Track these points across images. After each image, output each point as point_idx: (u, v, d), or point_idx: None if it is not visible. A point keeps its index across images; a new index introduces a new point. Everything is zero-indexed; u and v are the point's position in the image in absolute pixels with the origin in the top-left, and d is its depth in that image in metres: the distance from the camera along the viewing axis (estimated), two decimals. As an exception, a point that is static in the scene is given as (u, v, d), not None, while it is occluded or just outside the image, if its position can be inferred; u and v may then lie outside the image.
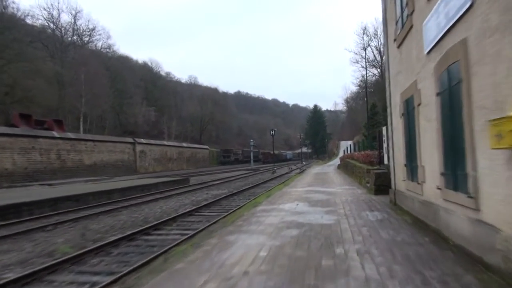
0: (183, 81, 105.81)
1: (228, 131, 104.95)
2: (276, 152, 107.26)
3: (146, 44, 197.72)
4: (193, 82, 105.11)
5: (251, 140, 47.60)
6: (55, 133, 30.30)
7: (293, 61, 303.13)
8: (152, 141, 46.95)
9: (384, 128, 11.38)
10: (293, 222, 6.47)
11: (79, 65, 47.40)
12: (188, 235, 7.21)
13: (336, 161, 55.18)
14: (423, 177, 5.77)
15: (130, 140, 41.79)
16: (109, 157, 36.98)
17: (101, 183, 22.31)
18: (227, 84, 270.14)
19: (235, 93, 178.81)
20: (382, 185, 10.30)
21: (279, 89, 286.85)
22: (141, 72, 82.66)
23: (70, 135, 32.33)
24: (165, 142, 50.80)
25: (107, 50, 76.21)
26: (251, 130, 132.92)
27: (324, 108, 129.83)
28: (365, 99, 35.33)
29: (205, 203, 12.84)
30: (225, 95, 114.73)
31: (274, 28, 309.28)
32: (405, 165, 7.01)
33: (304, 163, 73.91)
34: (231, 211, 10.02)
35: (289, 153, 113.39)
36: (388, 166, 10.81)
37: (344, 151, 42.34)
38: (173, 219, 9.60)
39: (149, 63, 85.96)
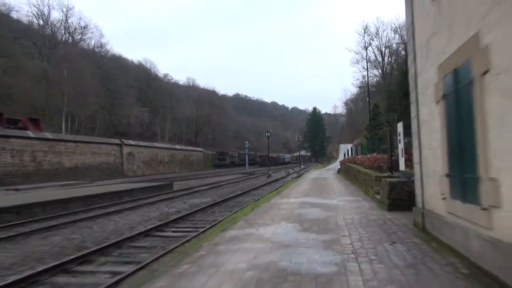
0: (181, 83, 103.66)
1: (225, 134, 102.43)
2: (274, 155, 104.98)
3: (146, 45, 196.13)
4: (191, 84, 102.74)
5: (246, 142, 45.18)
6: (30, 133, 27.75)
7: (292, 63, 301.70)
8: (142, 143, 44.43)
9: (399, 125, 8.90)
10: (270, 269, 3.96)
11: (62, 61, 44.77)
12: None
13: (336, 165, 52.56)
14: (496, 198, 3.27)
15: (117, 141, 39.27)
16: (92, 159, 34.43)
17: (75, 188, 19.78)
18: (226, 87, 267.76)
19: (234, 95, 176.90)
20: (398, 198, 7.80)
21: (278, 92, 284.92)
22: (135, 72, 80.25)
23: (48, 135, 29.78)
24: (156, 144, 48.28)
25: (100, 49, 73.93)
26: (249, 132, 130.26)
27: (323, 111, 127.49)
28: (367, 99, 32.91)
29: (175, 217, 10.33)
30: (223, 97, 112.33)
31: (274, 30, 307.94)
32: (448, 175, 4.51)
33: (302, 166, 71.44)
34: (195, 234, 7.48)
35: (287, 156, 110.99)
36: (405, 173, 8.33)
37: (344, 154, 39.85)
38: (107, 248, 6.91)
39: (144, 63, 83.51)
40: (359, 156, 15.47)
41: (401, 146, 8.52)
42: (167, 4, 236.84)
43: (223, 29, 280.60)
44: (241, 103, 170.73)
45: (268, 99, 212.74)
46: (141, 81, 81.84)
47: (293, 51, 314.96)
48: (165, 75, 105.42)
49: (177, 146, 55.17)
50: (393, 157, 10.22)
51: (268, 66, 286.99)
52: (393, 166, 10.15)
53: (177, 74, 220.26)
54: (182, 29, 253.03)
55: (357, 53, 61.04)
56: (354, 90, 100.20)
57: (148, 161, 44.86)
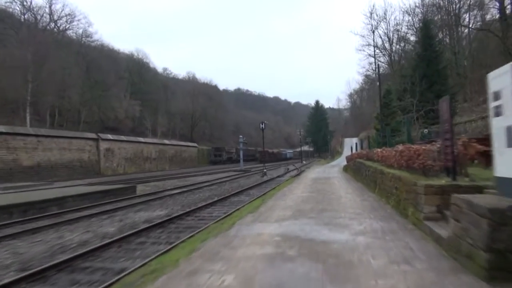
0: (180, 77, 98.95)
1: (223, 128, 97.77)
2: (275, 150, 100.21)
3: (148, 42, 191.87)
4: (191, 78, 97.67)
5: (241, 136, 40.44)
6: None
7: (295, 59, 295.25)
8: (123, 138, 39.86)
9: (493, 74, 4.11)
10: None
11: (26, 45, 39.98)
12: None
13: (341, 160, 47.69)
14: None
15: (92, 135, 34.72)
16: (60, 156, 29.90)
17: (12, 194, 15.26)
18: (228, 82, 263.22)
19: (235, 90, 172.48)
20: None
21: (280, 88, 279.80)
22: (126, 63, 75.56)
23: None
24: (140, 139, 43.67)
25: (89, 39, 69.17)
26: (249, 127, 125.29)
27: (326, 106, 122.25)
28: (377, 83, 28.04)
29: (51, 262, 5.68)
30: (224, 92, 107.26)
31: (278, 26, 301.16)
32: None
33: (304, 162, 66.70)
34: None
35: (289, 152, 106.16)
36: (504, 184, 3.56)
37: (351, 148, 35.09)
38: None
39: (135, 54, 78.70)
40: (378, 150, 10.69)
41: (503, 122, 3.74)
42: (173, 1, 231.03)
43: (226, 26, 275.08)
44: (242, 98, 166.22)
45: (270, 94, 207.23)
46: (134, 73, 77.23)
47: (296, 47, 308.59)
48: (165, 69, 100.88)
49: (166, 141, 50.60)
50: (454, 150, 5.44)
51: (271, 62, 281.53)
52: (456, 166, 5.40)
53: (179, 70, 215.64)
54: (185, 26, 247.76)
55: (363, 37, 55.95)
56: (359, 79, 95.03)
57: (131, 158, 40.32)
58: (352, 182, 14.63)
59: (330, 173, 23.34)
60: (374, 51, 52.62)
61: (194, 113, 79.83)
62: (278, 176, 27.92)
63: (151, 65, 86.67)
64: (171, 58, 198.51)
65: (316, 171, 27.10)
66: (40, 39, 43.10)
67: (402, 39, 58.34)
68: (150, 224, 8.72)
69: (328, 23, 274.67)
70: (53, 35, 59.92)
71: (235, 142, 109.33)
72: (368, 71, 58.21)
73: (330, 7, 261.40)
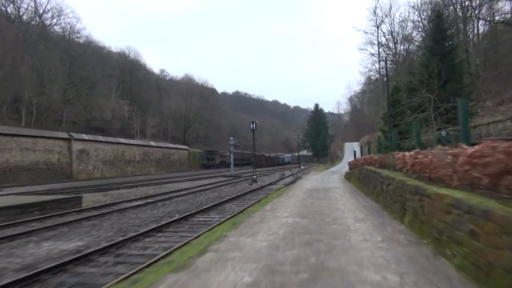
0: (178, 79, 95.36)
1: (219, 131, 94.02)
2: (272, 154, 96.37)
3: (149, 43, 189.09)
4: (185, 78, 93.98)
5: (232, 139, 36.75)
6: None
7: (295, 64, 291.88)
8: (101, 138, 36.09)
9: None
10: None
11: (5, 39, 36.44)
12: None
13: (341, 166, 43.75)
14: None
15: (63, 135, 30.98)
16: (22, 157, 26.15)
17: None
18: (227, 86, 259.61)
19: (234, 93, 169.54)
20: None
21: (280, 92, 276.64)
22: (116, 62, 72.02)
23: None
24: (122, 140, 39.88)
25: (77, 35, 65.54)
26: (247, 130, 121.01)
27: (326, 110, 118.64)
28: (385, 79, 24.51)
29: None
30: (215, 92, 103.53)
31: (277, 30, 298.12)
32: None
33: (302, 167, 62.95)
34: None
35: (287, 156, 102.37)
36: None
37: (354, 153, 31.43)
38: None
39: (127, 52, 75.13)
40: (406, 154, 6.90)
41: None
42: (173, 4, 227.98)
43: (226, 29, 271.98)
44: (241, 101, 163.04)
45: (269, 98, 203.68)
46: (125, 72, 73.68)
47: (297, 51, 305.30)
48: (162, 71, 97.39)
49: (152, 143, 46.82)
50: None
51: (271, 66, 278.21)
52: None
53: (177, 72, 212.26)
54: (186, 29, 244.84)
55: (366, 33, 52.42)
56: (361, 79, 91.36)
57: (111, 161, 36.54)
58: (360, 197, 10.87)
59: (329, 181, 19.56)
60: (378, 47, 49.08)
61: (187, 113, 76.08)
62: (270, 184, 24.20)
63: (145, 65, 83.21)
64: (170, 61, 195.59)
65: (314, 179, 23.34)
66: (22, 33, 39.37)
67: (407, 38, 55.03)
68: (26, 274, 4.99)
69: (329, 28, 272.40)
70: (37, 29, 56.34)
71: (236, 147, 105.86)
72: (371, 71, 54.67)
73: (331, 12, 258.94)
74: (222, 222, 8.51)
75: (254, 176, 25.47)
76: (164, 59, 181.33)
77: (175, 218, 9.95)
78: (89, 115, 57.87)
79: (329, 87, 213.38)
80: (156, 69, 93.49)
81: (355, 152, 29.85)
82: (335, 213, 7.62)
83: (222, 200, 14.28)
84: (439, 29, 29.09)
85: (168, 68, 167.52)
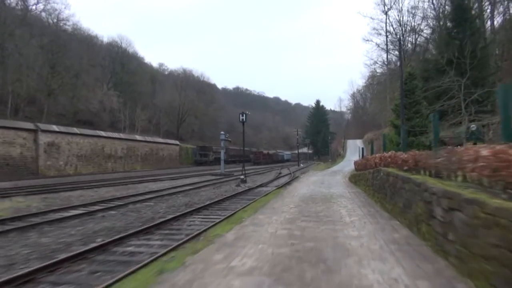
0: (177, 73, 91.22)
1: (215, 126, 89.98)
2: (271, 151, 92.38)
3: (150, 40, 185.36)
4: (179, 71, 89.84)
5: (222, 133, 33.06)
6: None
7: (297, 61, 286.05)
8: (75, 130, 32.32)
9: None
10: None
11: None
12: None
13: (344, 165, 39.58)
14: None
15: (28, 125, 27.20)
16: (-27, 150, 22.38)
17: None
18: (228, 81, 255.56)
19: (234, 89, 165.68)
20: None
21: (281, 89, 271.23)
22: (106, 51, 68.04)
23: None
24: (101, 133, 36.03)
25: (65, 22, 61.50)
26: (245, 126, 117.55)
27: (328, 108, 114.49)
28: (399, 64, 20.78)
29: None
30: (212, 85, 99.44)
31: (281, 27, 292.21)
32: None
33: (302, 165, 59.17)
34: None
35: (286, 153, 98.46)
36: None
37: (362, 150, 27.58)
38: None
39: (118, 41, 71.09)
40: (491, 150, 3.08)
41: None
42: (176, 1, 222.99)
43: (228, 25, 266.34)
44: (241, 97, 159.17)
45: (270, 94, 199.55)
46: (116, 63, 69.72)
47: (299, 48, 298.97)
48: (161, 65, 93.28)
49: (138, 137, 43.04)
50: None
51: (273, 63, 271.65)
52: None
53: (177, 67, 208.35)
54: (185, 24, 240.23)
55: (373, 19, 48.30)
56: (366, 72, 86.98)
57: (87, 155, 32.80)
58: (381, 217, 7.03)
59: (331, 185, 15.73)
60: (386, 35, 45.09)
61: (180, 106, 72.14)
62: (261, 185, 20.47)
63: (138, 55, 79.12)
64: (171, 56, 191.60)
65: (312, 181, 19.53)
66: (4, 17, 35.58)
67: (415, 30, 50.96)
68: None
69: (332, 25, 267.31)
70: (17, 13, 52.39)
71: (229, 142, 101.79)
72: (377, 62, 50.67)
73: (335, 9, 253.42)
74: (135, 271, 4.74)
75: (242, 176, 21.71)
76: (164, 54, 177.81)
77: (93, 246, 6.21)
78: (74, 107, 54.01)
79: (331, 85, 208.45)
80: (155, 63, 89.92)
81: (362, 150, 25.97)
82: (345, 263, 3.83)
83: (186, 211, 10.53)
84: (460, 9, 25.15)
85: (168, 63, 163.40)
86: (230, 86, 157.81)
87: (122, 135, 39.69)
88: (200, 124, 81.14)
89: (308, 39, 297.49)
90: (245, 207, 10.72)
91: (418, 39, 50.98)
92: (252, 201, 12.48)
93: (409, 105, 21.81)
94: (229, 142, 41.05)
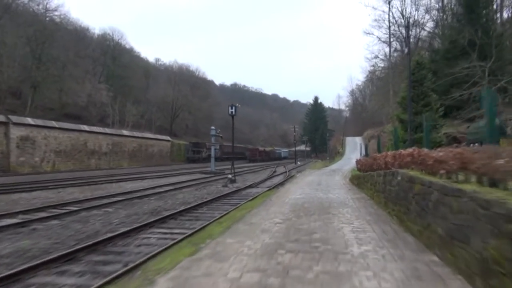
0: (167, 65, 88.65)
1: (211, 123, 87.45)
2: (267, 148, 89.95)
3: (150, 37, 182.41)
4: (178, 67, 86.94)
5: (213, 128, 30.74)
6: None
7: (296, 58, 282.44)
8: (53, 123, 29.89)
9: None
10: None
11: None
12: None
13: (343, 163, 36.99)
14: None
15: (-2, 118, 24.81)
16: None
17: None
18: (226, 78, 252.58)
19: (231, 85, 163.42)
20: None
21: (280, 86, 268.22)
22: (96, 43, 65.41)
23: None
24: (84, 127, 33.61)
25: (55, 12, 58.78)
26: (241, 123, 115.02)
27: (326, 105, 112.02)
28: (407, 52, 18.59)
29: None
30: (207, 80, 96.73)
31: (280, 25, 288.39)
32: None
33: (299, 163, 56.94)
34: None
35: (284, 151, 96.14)
36: None
37: (363, 148, 25.39)
38: None
39: (110, 33, 68.41)
40: None
41: None
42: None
43: (226, 22, 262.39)
44: (238, 93, 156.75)
45: (269, 92, 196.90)
46: (107, 55, 67.09)
47: (298, 46, 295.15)
48: (157, 60, 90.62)
49: (125, 132, 40.63)
50: None
51: (272, 60, 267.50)
52: None
53: (171, 60, 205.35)
54: (186, 21, 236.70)
55: (375, 9, 45.94)
56: (366, 66, 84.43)
57: (67, 151, 30.43)
58: (405, 245, 4.78)
59: (330, 187, 13.48)
60: (389, 25, 42.76)
61: (174, 101, 69.66)
62: (251, 186, 18.22)
63: (131, 48, 76.48)
64: (168, 52, 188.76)
65: (308, 181, 17.28)
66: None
67: (417, 24, 48.63)
68: None
69: (331, 23, 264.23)
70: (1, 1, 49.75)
71: (224, 139, 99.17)
72: (378, 56, 48.37)
73: (335, 8, 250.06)
74: None
75: (230, 176, 19.43)
76: (164, 51, 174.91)
77: None
78: (61, 100, 51.52)
79: (329, 83, 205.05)
80: (152, 59, 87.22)
81: (366, 147, 23.62)
82: None
83: (147, 222, 8.29)
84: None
85: (166, 59, 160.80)
86: (228, 82, 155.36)
87: (107, 130, 37.25)
88: (194, 120, 78.70)
89: (308, 37, 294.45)
90: (222, 217, 8.50)
91: (421, 34, 48.68)
92: (234, 207, 10.25)
93: (417, 98, 19.58)
94: (221, 138, 38.71)
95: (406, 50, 18.78)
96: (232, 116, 21.19)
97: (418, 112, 19.49)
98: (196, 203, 11.63)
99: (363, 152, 26.09)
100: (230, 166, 42.30)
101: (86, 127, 33.51)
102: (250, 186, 18.20)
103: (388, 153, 8.91)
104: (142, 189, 16.17)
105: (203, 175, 27.45)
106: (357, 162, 18.25)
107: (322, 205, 8.55)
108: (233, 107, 20.82)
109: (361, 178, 12.44)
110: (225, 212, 9.44)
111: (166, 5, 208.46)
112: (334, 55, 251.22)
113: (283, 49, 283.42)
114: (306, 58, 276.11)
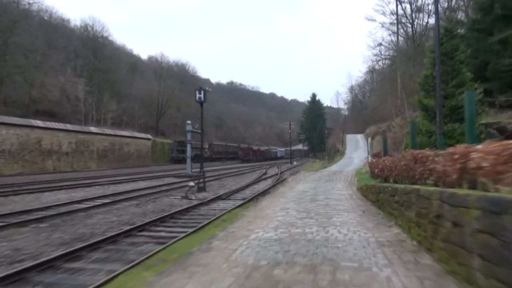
0: (154, 59, 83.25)
1: (203, 121, 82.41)
2: (262, 148, 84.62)
3: (150, 37, 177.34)
4: (172, 64, 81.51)
5: (188, 122, 25.75)
6: None
7: (295, 57, 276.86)
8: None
9: None
10: None
11: None
12: None
13: (345, 164, 30.85)
14: None
15: None
16: None
17: None
18: (222, 76, 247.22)
19: (228, 83, 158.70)
20: None
21: (278, 85, 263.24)
22: (73, 33, 60.14)
23: None
24: (38, 123, 28.33)
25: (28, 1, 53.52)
26: (235, 121, 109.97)
27: (325, 104, 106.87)
28: (434, 14, 14.48)
29: None
30: (197, 75, 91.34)
31: (279, 23, 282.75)
32: None
33: (295, 163, 51.90)
34: None
35: (280, 150, 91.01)
36: None
37: (370, 146, 20.28)
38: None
39: (90, 23, 63.08)
40: None
41: None
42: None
43: (224, 20, 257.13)
44: (235, 92, 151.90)
45: (266, 90, 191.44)
46: (88, 47, 61.80)
47: (296, 45, 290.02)
48: (150, 57, 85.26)
49: (93, 129, 35.39)
50: None
51: (270, 59, 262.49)
52: None
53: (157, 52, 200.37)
54: (183, 20, 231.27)
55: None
56: (369, 55, 79.14)
57: (15, 151, 25.25)
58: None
59: (331, 207, 8.35)
60: (397, 4, 37.73)
61: (160, 97, 64.41)
62: (220, 197, 13.09)
63: (113, 40, 71.08)
64: (164, 50, 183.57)
65: (300, 191, 12.11)
66: None
67: (422, 10, 43.63)
68: None
69: (330, 21, 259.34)
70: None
71: (217, 137, 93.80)
72: (382, 44, 43.33)
73: (335, 7, 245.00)
74: None
75: (193, 183, 14.34)
76: (158, 48, 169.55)
77: None
78: (31, 94, 46.27)
79: (328, 82, 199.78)
80: (144, 56, 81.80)
81: (369, 146, 18.41)
82: None
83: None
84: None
85: (160, 56, 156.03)
86: (224, 81, 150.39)
87: (69, 126, 31.98)
88: (183, 118, 73.38)
89: (307, 35, 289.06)
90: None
91: (429, 20, 43.62)
92: (150, 254, 5.13)
93: (446, 75, 14.47)
94: (197, 134, 33.55)
95: (435, 5, 13.85)
96: (201, 103, 16.09)
97: (448, 95, 14.45)
98: (95, 240, 6.48)
99: (369, 151, 20.94)
100: (218, 167, 37.29)
101: (40, 123, 28.26)
102: (220, 198, 13.09)
103: (444, 151, 3.79)
104: (61, 204, 11.03)
105: (175, 180, 22.36)
106: (371, 165, 13.05)
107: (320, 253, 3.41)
108: (202, 92, 15.71)
109: (381, 192, 7.29)
110: (112, 275, 4.32)
111: (163, 4, 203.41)
112: (332, 53, 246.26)
113: (281, 48, 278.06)
114: (304, 57, 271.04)
